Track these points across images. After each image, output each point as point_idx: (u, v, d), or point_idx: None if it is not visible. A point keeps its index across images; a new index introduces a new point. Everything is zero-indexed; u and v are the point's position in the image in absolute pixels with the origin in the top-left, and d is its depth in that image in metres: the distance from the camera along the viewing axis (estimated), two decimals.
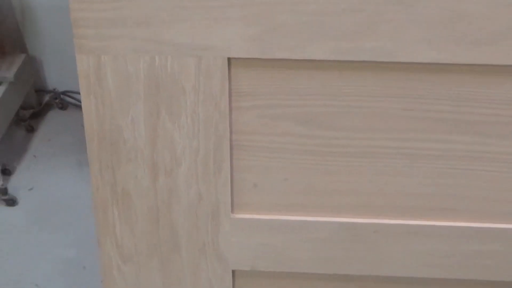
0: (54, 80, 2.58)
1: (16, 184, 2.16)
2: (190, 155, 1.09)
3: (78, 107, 2.38)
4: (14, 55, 2.41)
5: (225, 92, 1.04)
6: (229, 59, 1.02)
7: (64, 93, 2.54)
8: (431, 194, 1.13)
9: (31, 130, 2.47)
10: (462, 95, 1.05)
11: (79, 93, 1.08)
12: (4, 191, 2.09)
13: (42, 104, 2.55)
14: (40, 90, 2.61)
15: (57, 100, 2.54)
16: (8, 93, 2.24)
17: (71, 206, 2.01)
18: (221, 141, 1.08)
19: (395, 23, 0.98)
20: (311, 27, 0.99)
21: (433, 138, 1.09)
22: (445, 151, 1.10)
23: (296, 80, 1.05)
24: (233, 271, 1.19)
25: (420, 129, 1.08)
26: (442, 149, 1.10)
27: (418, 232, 1.16)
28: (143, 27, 1.00)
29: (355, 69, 1.03)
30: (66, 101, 2.52)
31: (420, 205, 1.14)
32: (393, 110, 1.06)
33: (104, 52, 1.02)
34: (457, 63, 1.01)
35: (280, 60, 1.02)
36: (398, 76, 1.04)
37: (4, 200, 2.09)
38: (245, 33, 0.99)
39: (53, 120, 2.47)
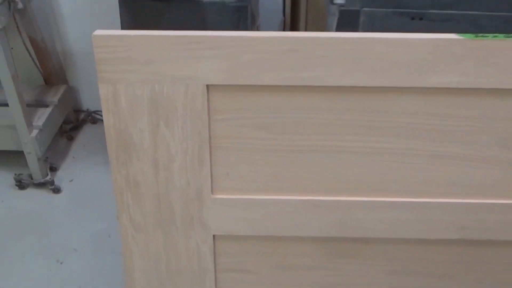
0: (88, 102, 2.59)
1: (60, 177, 2.17)
2: (181, 154, 1.10)
3: None
4: (58, 85, 2.42)
5: (205, 109, 1.06)
6: (207, 85, 1.04)
7: (94, 112, 2.54)
8: (356, 177, 1.13)
9: (70, 139, 2.47)
10: (374, 107, 1.06)
11: None
12: (52, 182, 2.10)
13: (79, 120, 2.56)
14: (77, 110, 2.61)
15: (89, 117, 2.54)
16: (54, 113, 2.25)
17: (100, 192, 2.02)
18: (203, 144, 1.09)
19: (324, 59, 1.00)
20: (266, 62, 1.01)
21: (356, 139, 1.09)
22: (362, 148, 1.10)
23: (256, 99, 1.06)
24: (214, 236, 1.19)
25: (345, 132, 1.08)
26: (362, 146, 1.10)
27: (350, 204, 1.15)
28: (146, 64, 1.02)
29: (297, 92, 1.04)
30: (96, 118, 2.52)
31: (351, 185, 1.14)
32: (326, 120, 1.07)
33: (119, 82, 1.04)
34: (368, 86, 1.02)
35: (244, 85, 1.04)
36: (328, 95, 1.05)
37: (52, 189, 2.09)
38: (219, 67, 1.02)
39: (87, 132, 2.47)
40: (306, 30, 1.96)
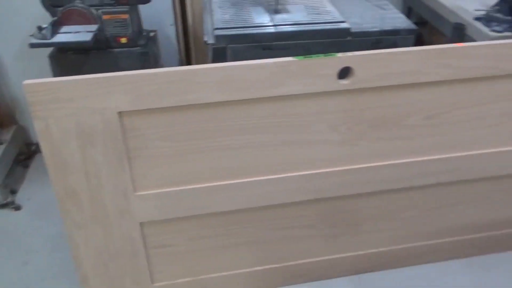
0: (36, 136, 2.42)
1: (20, 197, 2.03)
2: (106, 165, 1.08)
3: None
4: (9, 126, 2.27)
5: (120, 130, 1.05)
6: (119, 112, 1.03)
7: None
8: (238, 165, 1.14)
9: (26, 166, 2.32)
10: (242, 114, 1.07)
11: None
12: (13, 202, 1.96)
13: (30, 151, 2.40)
14: (29, 143, 2.45)
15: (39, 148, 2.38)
16: (8, 149, 2.11)
17: (52, 205, 1.91)
18: (122, 155, 1.08)
19: (202, 84, 1.01)
20: (162, 90, 1.01)
21: (234, 138, 1.10)
22: (238, 143, 1.11)
23: (159, 118, 1.05)
24: (140, 223, 1.18)
25: (225, 134, 1.10)
26: (238, 142, 1.11)
27: (237, 185, 1.16)
28: (69, 102, 1.00)
29: (187, 109, 1.05)
30: None
31: (235, 171, 1.14)
32: (210, 127, 1.08)
33: (49, 117, 1.01)
34: (235, 99, 1.05)
35: (148, 109, 1.03)
36: (209, 110, 1.05)
37: (13, 207, 1.96)
38: (126, 98, 1.01)
39: (38, 159, 2.33)
40: (196, 64, 1.97)
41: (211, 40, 1.18)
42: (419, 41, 1.93)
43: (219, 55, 1.20)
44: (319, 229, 1.31)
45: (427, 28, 1.91)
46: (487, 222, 1.43)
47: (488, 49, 1.11)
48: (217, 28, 1.22)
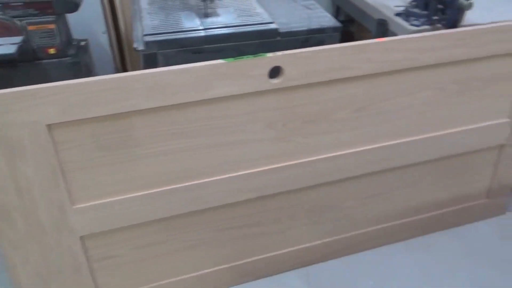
0: None
1: None
2: (39, 180, 1.05)
3: None
4: None
5: (50, 143, 1.02)
6: (48, 125, 1.00)
7: None
8: (179, 169, 1.14)
9: None
10: (175, 119, 1.07)
11: None
12: None
13: None
14: None
15: None
16: None
17: None
18: (55, 169, 1.05)
19: (131, 91, 1.00)
20: (89, 100, 0.99)
21: (171, 143, 1.10)
22: (176, 148, 1.11)
23: (92, 128, 1.03)
24: (81, 237, 1.15)
25: (162, 140, 1.09)
26: (175, 147, 1.10)
27: (183, 188, 1.14)
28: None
29: (122, 117, 1.04)
30: None
31: (179, 175, 1.14)
32: (147, 133, 1.07)
33: None
34: (167, 104, 1.04)
35: (77, 120, 1.01)
36: (143, 116, 1.05)
37: None
38: (53, 110, 0.98)
39: None
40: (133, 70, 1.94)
41: (141, 47, 1.17)
42: (349, 38, 2.02)
43: (150, 62, 1.20)
44: (263, 226, 1.33)
45: (355, 25, 1.99)
46: (420, 205, 1.52)
47: (407, 42, 1.19)
48: (146, 34, 1.22)
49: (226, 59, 1.05)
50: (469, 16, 1.39)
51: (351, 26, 2.02)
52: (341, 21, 1.81)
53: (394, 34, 1.39)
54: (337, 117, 1.22)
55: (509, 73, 1.36)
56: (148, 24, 1.29)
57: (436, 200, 1.53)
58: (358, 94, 1.21)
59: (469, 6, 1.18)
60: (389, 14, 1.44)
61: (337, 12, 1.97)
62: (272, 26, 1.30)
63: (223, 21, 1.32)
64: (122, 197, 1.13)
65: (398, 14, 1.41)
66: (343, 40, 1.26)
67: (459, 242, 1.55)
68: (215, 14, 1.36)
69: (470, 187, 1.56)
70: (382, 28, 1.40)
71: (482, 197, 1.61)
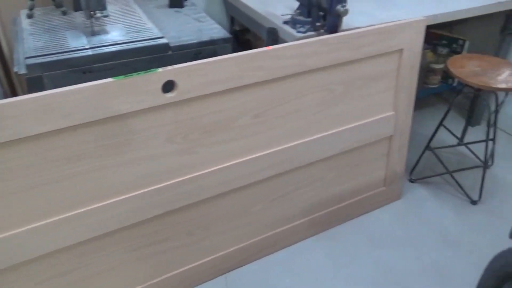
0: None
1: None
2: None
3: None
4: None
5: None
6: None
7: None
8: (91, 191, 1.10)
9: None
10: (67, 145, 1.05)
11: None
12: None
13: None
14: None
15: None
16: None
17: None
18: None
19: (14, 118, 0.95)
20: None
21: (83, 163, 1.06)
22: (88, 169, 1.07)
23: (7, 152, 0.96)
24: None
25: (49, 167, 1.04)
26: (88, 168, 1.07)
27: (83, 213, 1.11)
28: None
29: (3, 147, 0.98)
30: None
31: (82, 198, 1.10)
32: (27, 164, 1.02)
33: None
34: (56, 129, 1.00)
35: None
36: (27, 145, 1.00)
37: None
38: None
39: None
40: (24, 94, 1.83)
41: (22, 70, 1.11)
42: (248, 46, 2.08)
43: (35, 85, 1.14)
44: (176, 240, 1.32)
45: (251, 34, 2.06)
46: (325, 200, 1.61)
47: (293, 49, 1.26)
48: (28, 57, 1.16)
49: (116, 77, 1.04)
50: (350, 21, 1.51)
51: (247, 34, 2.08)
52: (236, 31, 1.86)
53: (285, 41, 1.46)
54: (237, 125, 1.25)
55: (388, 71, 1.49)
56: (30, 46, 1.23)
57: (339, 194, 1.63)
58: (254, 101, 1.26)
59: (345, 12, 1.28)
60: (278, 22, 1.51)
61: (232, 22, 2.02)
62: (163, 40, 1.31)
63: (111, 38, 1.30)
64: (20, 229, 1.06)
65: (285, 22, 1.48)
66: (243, 48, 1.30)
67: (363, 229, 1.67)
68: (103, 32, 1.33)
69: (369, 177, 1.68)
70: (273, 36, 1.47)
71: (379, 185, 1.74)
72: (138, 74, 1.06)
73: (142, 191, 1.18)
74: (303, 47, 1.27)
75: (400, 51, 1.47)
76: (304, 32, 1.42)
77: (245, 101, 1.24)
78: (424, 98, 2.55)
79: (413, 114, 2.42)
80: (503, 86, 1.58)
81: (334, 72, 1.37)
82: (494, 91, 1.78)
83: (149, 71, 1.07)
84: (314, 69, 1.32)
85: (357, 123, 1.51)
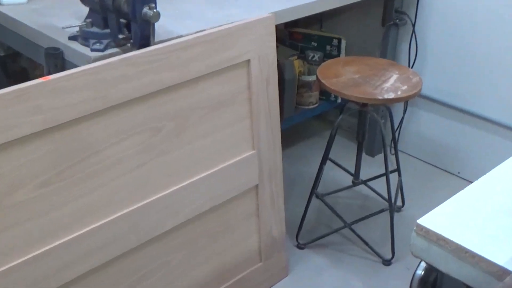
0: None
1: None
2: None
3: None
4: None
5: None
6: None
7: None
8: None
9: None
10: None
11: None
12: None
13: None
14: None
15: None
16: None
17: None
18: None
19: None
20: None
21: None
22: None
23: None
24: None
25: None
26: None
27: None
28: None
29: None
30: None
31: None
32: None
33: None
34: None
35: None
36: None
37: None
38: None
39: None
40: None
41: None
42: (25, 78, 2.04)
43: None
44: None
45: (25, 60, 2.04)
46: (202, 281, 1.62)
47: (87, 75, 1.28)
48: None
49: None
50: (171, 27, 1.58)
51: (20, 61, 2.06)
52: (2, 57, 1.82)
53: (74, 66, 1.47)
54: (11, 203, 1.23)
55: (235, 93, 1.60)
56: None
57: (201, 280, 1.66)
58: (36, 163, 1.25)
59: (156, 16, 1.35)
60: (62, 39, 1.52)
61: None
62: None
63: None
64: None
65: (72, 38, 1.50)
66: (16, 82, 1.27)
67: None
68: None
69: (236, 251, 1.75)
70: (54, 60, 1.47)
71: (255, 261, 1.82)
72: None
73: None
74: (102, 72, 1.30)
75: (247, 62, 1.59)
76: (102, 50, 1.46)
77: (19, 165, 1.23)
78: (302, 125, 2.75)
79: (290, 148, 2.59)
80: (391, 96, 1.80)
81: (156, 103, 1.42)
82: (383, 104, 2.01)
83: None
84: (124, 102, 1.36)
85: (202, 174, 1.57)
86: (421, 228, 0.95)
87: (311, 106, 2.56)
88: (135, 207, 1.44)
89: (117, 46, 1.47)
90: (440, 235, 0.93)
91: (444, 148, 2.52)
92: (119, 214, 1.42)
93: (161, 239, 1.54)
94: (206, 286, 1.69)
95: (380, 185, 2.24)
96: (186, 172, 1.54)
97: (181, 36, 1.53)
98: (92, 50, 1.46)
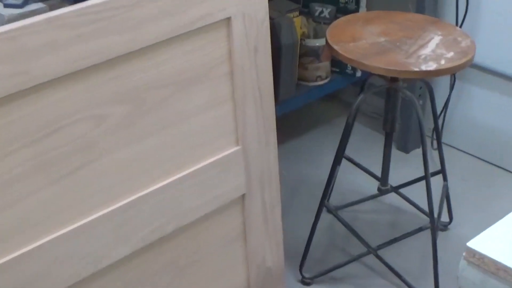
0: None
1: None
2: None
3: None
4: None
5: None
6: None
7: None
8: None
9: None
10: None
11: None
12: None
13: None
14: None
15: None
16: None
17: None
18: None
19: None
20: None
21: None
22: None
23: None
24: None
25: None
26: None
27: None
28: None
29: None
30: None
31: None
32: None
33: None
34: None
35: None
36: None
37: None
38: None
39: None
40: None
41: None
42: None
43: None
44: None
45: None
46: None
47: (0, 41, 1.27)
48: None
49: None
50: None
51: None
52: None
53: None
54: None
55: (211, 66, 1.58)
56: None
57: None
58: None
59: None
60: None
61: None
62: None
63: None
64: None
65: None
66: None
67: None
68: None
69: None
70: None
71: None
72: None
73: None
74: (21, 38, 1.29)
75: (226, 21, 1.58)
76: (21, 6, 1.45)
77: None
78: (306, 109, 2.74)
79: (290, 142, 2.58)
80: (431, 67, 1.78)
81: (98, 82, 1.41)
82: (420, 78, 1.99)
83: None
84: (52, 79, 1.35)
85: (164, 182, 1.57)
86: (473, 253, 0.95)
87: (319, 82, 2.54)
88: (59, 233, 1.43)
89: (42, 1, 1.47)
90: (501, 263, 0.92)
91: (507, 139, 2.52)
92: (34, 245, 1.41)
93: (102, 276, 1.53)
94: None
95: (417, 193, 2.23)
96: (141, 179, 1.53)
97: None
98: (5, 5, 1.46)
